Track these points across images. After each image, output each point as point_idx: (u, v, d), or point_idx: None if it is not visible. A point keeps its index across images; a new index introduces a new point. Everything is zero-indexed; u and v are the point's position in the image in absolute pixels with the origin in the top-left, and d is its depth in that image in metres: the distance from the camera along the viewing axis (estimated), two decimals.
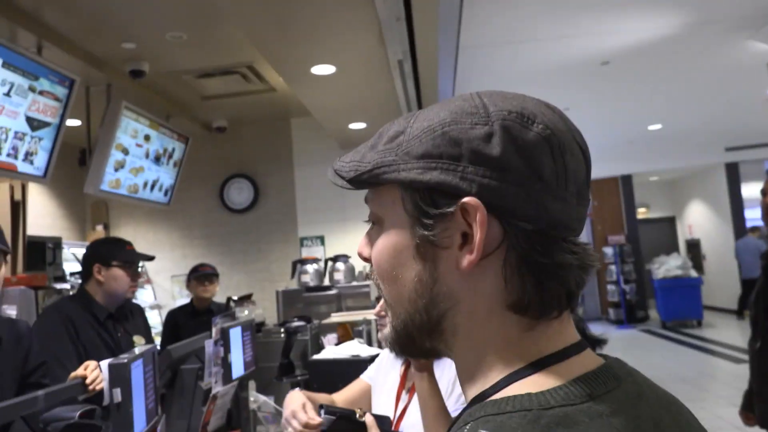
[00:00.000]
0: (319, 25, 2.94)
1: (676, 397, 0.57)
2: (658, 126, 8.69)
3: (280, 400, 2.53)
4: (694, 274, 10.22)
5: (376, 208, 0.56)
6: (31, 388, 1.73)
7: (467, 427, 0.46)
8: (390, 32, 2.86)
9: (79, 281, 3.87)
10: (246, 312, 2.83)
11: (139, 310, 2.73)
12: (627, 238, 11.14)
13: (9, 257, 2.24)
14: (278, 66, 3.51)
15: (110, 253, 2.37)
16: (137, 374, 1.48)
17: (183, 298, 5.49)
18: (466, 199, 0.48)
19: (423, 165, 0.50)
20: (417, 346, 0.56)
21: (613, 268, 10.89)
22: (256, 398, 2.42)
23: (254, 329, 2.45)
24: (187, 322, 3.68)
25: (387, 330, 0.57)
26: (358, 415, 1.21)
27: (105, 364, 1.40)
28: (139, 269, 2.54)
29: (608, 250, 11.00)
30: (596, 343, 1.22)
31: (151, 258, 2.55)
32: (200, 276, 3.78)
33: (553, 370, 0.49)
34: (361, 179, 0.54)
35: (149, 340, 2.59)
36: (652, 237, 13.91)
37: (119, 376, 1.38)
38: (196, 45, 3.71)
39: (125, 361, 1.40)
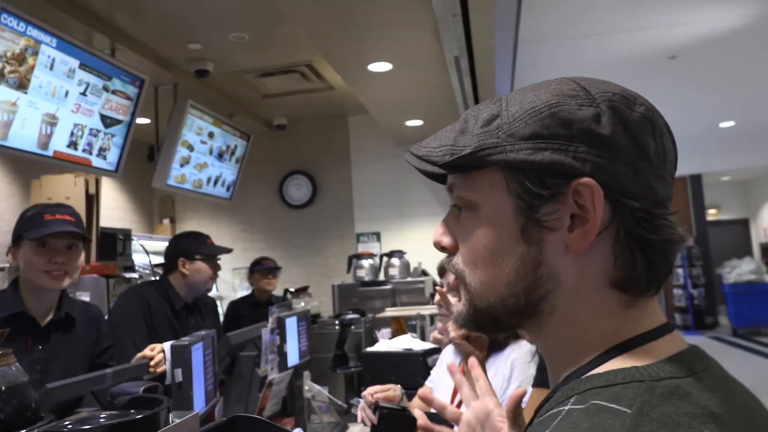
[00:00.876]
0: (376, 23, 2.97)
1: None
2: (730, 123, 8.27)
3: (333, 391, 2.60)
4: None
5: (467, 193, 0.55)
6: (99, 368, 1.85)
7: (572, 400, 0.46)
8: (446, 29, 2.86)
9: (147, 272, 4.05)
10: (302, 303, 2.90)
11: (212, 305, 2.86)
12: (695, 241, 10.65)
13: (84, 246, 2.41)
14: (336, 64, 3.57)
15: (194, 247, 2.51)
16: (197, 356, 1.56)
17: (243, 290, 5.67)
18: (582, 180, 0.49)
19: (532, 146, 0.50)
20: (500, 325, 0.56)
21: (680, 271, 10.44)
22: (311, 387, 2.48)
23: (309, 320, 2.51)
24: (248, 313, 3.80)
25: (460, 307, 0.56)
26: (407, 413, 1.24)
27: (167, 345, 1.48)
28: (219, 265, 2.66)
29: None
30: None
31: (229, 251, 2.69)
32: (264, 269, 3.91)
33: (653, 345, 0.50)
34: (461, 162, 0.53)
35: (219, 330, 2.70)
36: (722, 240, 13.24)
37: (180, 357, 1.46)
38: (257, 45, 3.82)
39: (186, 343, 1.47)
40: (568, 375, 0.52)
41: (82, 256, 1.93)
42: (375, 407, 1.29)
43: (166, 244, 2.64)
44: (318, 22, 2.97)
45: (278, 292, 4.22)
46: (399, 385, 1.95)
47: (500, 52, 3.59)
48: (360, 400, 2.29)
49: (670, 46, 4.99)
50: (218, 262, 2.63)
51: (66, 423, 0.95)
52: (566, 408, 0.46)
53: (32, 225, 1.80)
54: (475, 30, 3.11)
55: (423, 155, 0.57)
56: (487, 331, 0.58)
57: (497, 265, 0.53)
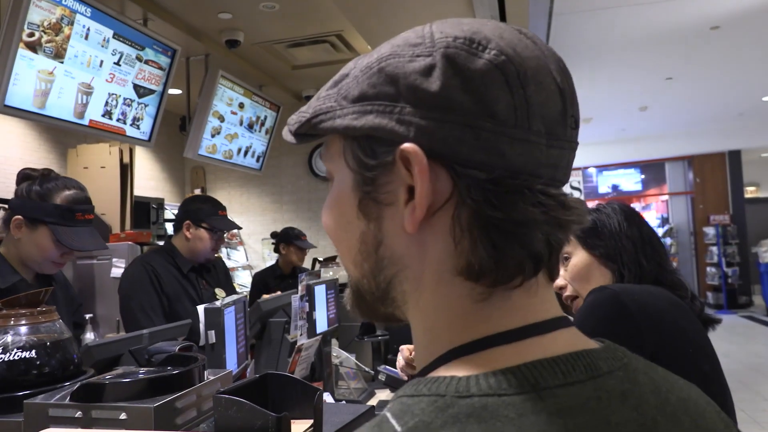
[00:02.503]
0: None
1: (716, 414, 0.46)
2: None
3: (361, 358, 2.64)
4: None
5: (326, 162, 0.50)
6: (74, 326, 1.95)
7: (388, 404, 0.41)
8: None
9: None
10: (330, 273, 2.94)
11: (222, 265, 2.79)
12: (732, 219, 10.40)
13: (117, 213, 2.45)
14: (366, 33, 3.54)
15: (203, 214, 2.44)
16: (229, 320, 1.60)
17: (271, 260, 5.76)
18: (403, 146, 0.41)
19: (358, 109, 0.43)
20: (373, 311, 0.50)
21: (714, 249, 10.23)
22: (339, 354, 2.53)
23: (338, 289, 2.55)
24: (277, 284, 3.87)
25: (346, 293, 0.52)
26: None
27: (201, 308, 1.52)
28: (228, 234, 2.65)
29: (709, 231, 10.34)
30: (708, 322, 1.21)
31: (237, 227, 2.63)
32: (302, 245, 3.99)
33: (499, 351, 0.41)
34: (301, 131, 0.48)
35: (230, 292, 2.69)
36: (761, 218, 12.88)
37: (213, 320, 1.50)
38: (287, 14, 3.80)
39: (218, 306, 1.51)
40: (415, 374, 0.45)
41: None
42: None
43: None
44: None
45: (307, 261, 4.29)
46: None
47: (534, 22, 3.52)
48: (387, 367, 2.33)
49: (713, 17, 4.81)
50: (224, 236, 2.55)
51: (107, 377, 0.99)
52: (382, 413, 0.40)
53: (64, 221, 1.76)
54: None
55: (288, 123, 0.52)
56: (369, 317, 0.51)
57: (343, 240, 0.48)
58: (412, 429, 0.36)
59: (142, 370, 1.04)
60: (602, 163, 11.69)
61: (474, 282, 0.42)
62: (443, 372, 0.41)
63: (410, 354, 1.60)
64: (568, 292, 1.35)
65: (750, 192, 12.67)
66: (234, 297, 1.76)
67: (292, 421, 0.86)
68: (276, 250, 4.15)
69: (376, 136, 0.43)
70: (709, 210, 10.66)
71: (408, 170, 0.42)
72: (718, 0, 4.47)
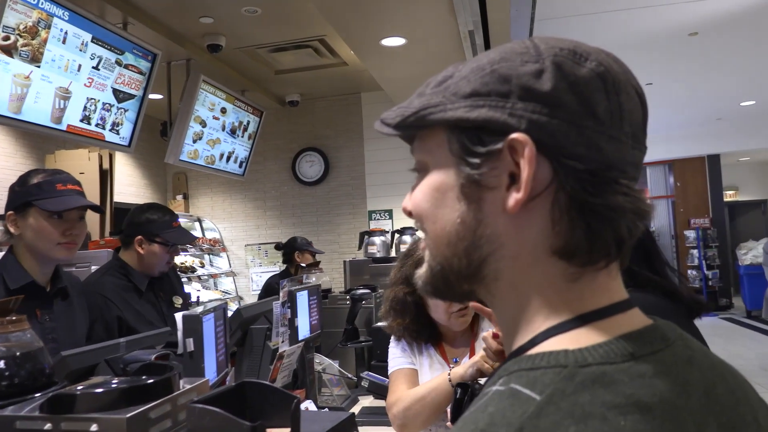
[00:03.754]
0: None
1: (737, 371, 0.53)
2: (751, 102, 8.11)
3: (344, 364, 2.62)
4: None
5: (421, 155, 0.54)
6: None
7: (500, 380, 0.45)
8: (460, 2, 2.81)
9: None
10: (313, 279, 2.92)
11: (173, 270, 2.58)
12: (712, 222, 10.54)
13: (97, 220, 2.40)
14: (349, 39, 3.54)
15: (156, 227, 2.25)
16: (208, 327, 1.57)
17: (255, 267, 5.71)
18: (514, 135, 0.46)
19: (470, 103, 0.48)
20: (453, 289, 0.54)
21: (695, 252, 10.35)
22: (322, 361, 2.51)
23: (320, 295, 2.52)
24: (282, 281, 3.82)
25: (423, 269, 0.55)
26: None
27: (179, 316, 1.49)
28: (211, 240, 2.57)
29: (690, 234, 10.46)
30: (695, 306, 1.16)
31: (194, 239, 2.47)
32: (315, 252, 4.04)
33: (596, 326, 0.47)
34: (406, 123, 0.53)
35: (184, 296, 2.55)
36: (740, 222, 13.08)
37: (192, 327, 1.47)
38: (269, 19, 3.79)
39: (197, 313, 1.48)
40: (512, 351, 0.50)
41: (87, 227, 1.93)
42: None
43: (182, 220, 2.43)
44: None
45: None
46: None
47: (516, 28, 3.54)
48: (370, 373, 2.31)
49: (691, 23, 4.88)
50: (179, 247, 2.37)
51: (79, 387, 0.96)
52: (492, 389, 0.44)
53: (46, 194, 1.74)
54: (490, 3, 3.06)
55: (383, 118, 0.56)
56: (442, 296, 0.55)
57: (439, 223, 0.52)
58: (551, 396, 0.41)
59: (116, 379, 1.01)
60: None
61: (567, 261, 0.47)
62: (551, 346, 0.46)
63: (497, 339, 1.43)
64: None
65: (729, 195, 12.86)
66: (214, 304, 1.73)
67: (268, 430, 0.84)
68: (286, 261, 4.05)
69: (486, 127, 0.48)
70: (690, 213, 10.79)
71: (512, 158, 0.47)
72: (696, 6, 4.53)
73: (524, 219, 0.48)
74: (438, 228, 0.52)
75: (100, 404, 0.90)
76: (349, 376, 2.51)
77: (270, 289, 4.00)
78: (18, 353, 1.05)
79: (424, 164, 0.54)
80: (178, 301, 2.48)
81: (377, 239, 4.41)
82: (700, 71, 6.41)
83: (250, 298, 5.58)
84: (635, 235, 0.49)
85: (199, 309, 1.55)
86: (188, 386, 1.04)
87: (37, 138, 4.25)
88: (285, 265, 4.13)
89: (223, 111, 4.44)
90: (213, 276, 5.56)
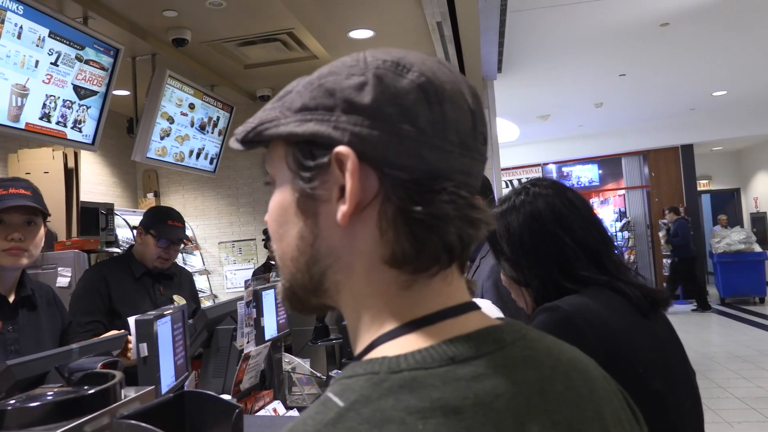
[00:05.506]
0: None
1: (590, 367, 0.54)
2: (722, 92, 8.22)
3: (315, 363, 2.58)
4: (758, 248, 9.73)
5: (269, 169, 0.56)
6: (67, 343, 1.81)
7: (329, 387, 0.46)
8: None
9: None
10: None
11: (188, 276, 2.87)
12: (686, 211, 10.68)
13: (63, 220, 2.38)
14: (316, 32, 3.48)
15: (152, 221, 2.54)
16: (164, 331, 1.52)
17: (230, 264, 5.64)
18: (338, 149, 0.48)
19: (300, 117, 0.50)
20: (304, 304, 0.55)
21: None
22: (291, 360, 2.46)
23: None
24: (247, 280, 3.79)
25: (278, 287, 0.57)
26: None
27: (132, 319, 1.44)
28: (175, 250, 2.62)
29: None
30: (647, 301, 1.08)
31: (181, 237, 2.61)
32: None
33: (423, 331, 0.47)
34: (248, 139, 0.54)
35: (195, 300, 2.71)
36: (713, 210, 13.28)
37: (145, 332, 1.42)
38: (235, 12, 3.70)
39: (151, 317, 1.43)
40: (350, 359, 0.52)
41: (42, 232, 1.86)
42: None
43: None
44: None
45: (260, 262, 4.20)
46: None
47: (485, 18, 3.51)
48: (340, 371, 2.28)
49: (662, 13, 4.90)
50: (176, 246, 2.59)
51: (11, 401, 0.91)
52: (324, 394, 0.45)
53: None
54: None
55: (235, 133, 0.57)
56: (298, 310, 0.57)
57: (284, 239, 0.53)
58: (354, 403, 0.42)
59: (52, 391, 0.96)
60: (561, 159, 11.86)
61: (398, 269, 0.48)
62: (376, 353, 0.47)
63: None
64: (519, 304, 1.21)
65: (703, 185, 13.05)
66: (173, 306, 1.68)
67: None
68: (266, 246, 4.17)
69: (315, 141, 0.49)
70: (664, 203, 10.92)
71: (341, 171, 0.48)
72: None
73: (356, 230, 0.49)
74: (284, 245, 0.54)
75: (33, 419, 0.85)
76: (319, 375, 2.47)
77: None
78: None
79: (271, 177, 0.56)
80: (181, 300, 2.58)
81: None
82: (672, 62, 6.47)
83: (225, 296, 5.51)
84: (469, 242, 0.50)
85: (153, 312, 1.50)
86: (131, 395, 1.00)
87: None
88: (265, 260, 4.12)
89: (192, 107, 4.35)
90: None
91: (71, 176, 4.09)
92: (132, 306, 2.37)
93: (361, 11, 3.14)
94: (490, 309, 1.21)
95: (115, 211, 4.60)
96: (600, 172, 12.27)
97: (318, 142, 0.49)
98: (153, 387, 1.02)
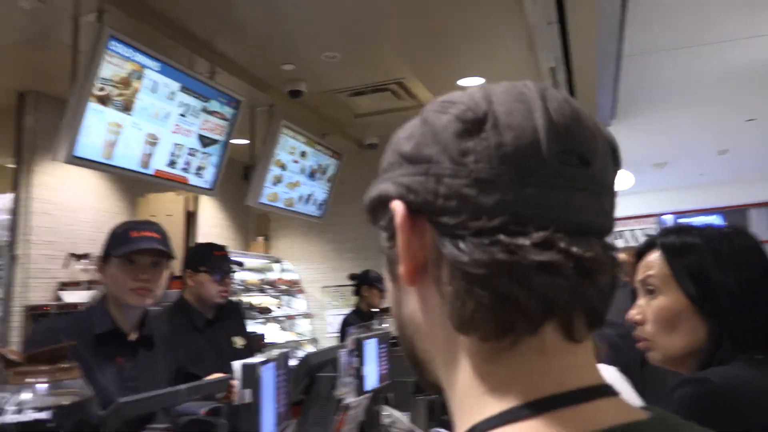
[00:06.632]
0: (466, 35, 2.89)
1: None
2: None
3: (414, 417, 2.47)
4: None
5: None
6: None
7: None
8: (540, 37, 2.71)
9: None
10: (386, 324, 2.81)
11: (237, 309, 2.75)
12: None
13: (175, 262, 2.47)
14: (426, 80, 3.51)
15: (199, 258, 2.46)
16: (268, 377, 1.50)
17: (331, 309, 5.70)
18: (390, 203, 0.44)
19: (377, 182, 0.48)
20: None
21: None
22: (390, 413, 2.38)
23: (391, 342, 2.42)
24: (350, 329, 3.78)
25: None
26: None
27: (237, 364, 1.43)
28: (232, 278, 2.53)
29: None
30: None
31: (238, 263, 2.57)
32: (383, 289, 3.94)
33: (533, 423, 0.37)
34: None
35: (247, 337, 2.62)
36: None
37: (250, 377, 1.41)
38: (349, 64, 3.84)
39: (257, 362, 1.42)
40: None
41: (166, 274, 1.94)
42: None
43: (261, 261, 2.55)
44: (408, 38, 2.93)
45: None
46: None
47: (602, 64, 3.37)
48: (440, 430, 2.16)
49: None
50: (230, 275, 2.49)
51: None
52: None
53: (119, 242, 1.82)
54: (573, 38, 2.93)
55: None
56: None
57: (392, 308, 0.50)
58: None
59: None
60: (679, 210, 11.07)
61: (467, 336, 0.40)
62: None
63: None
64: (640, 333, 1.07)
65: None
66: (276, 352, 1.67)
67: None
68: (356, 293, 4.10)
69: (383, 201, 0.46)
70: None
71: None
72: None
73: (424, 292, 0.44)
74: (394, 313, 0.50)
75: None
76: (420, 431, 2.36)
77: (345, 326, 3.94)
78: (66, 403, 1.02)
79: None
80: (240, 342, 2.49)
81: None
82: None
83: (326, 340, 5.55)
84: (560, 298, 0.38)
85: (259, 358, 1.49)
86: None
87: (128, 181, 4.48)
88: (354, 308, 4.09)
89: (303, 155, 4.52)
90: (289, 317, 5.59)
91: (191, 219, 4.35)
92: (200, 360, 2.25)
93: (471, 58, 3.14)
94: (617, 382, 1.07)
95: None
96: (725, 224, 11.30)
97: (384, 201, 0.46)
98: None
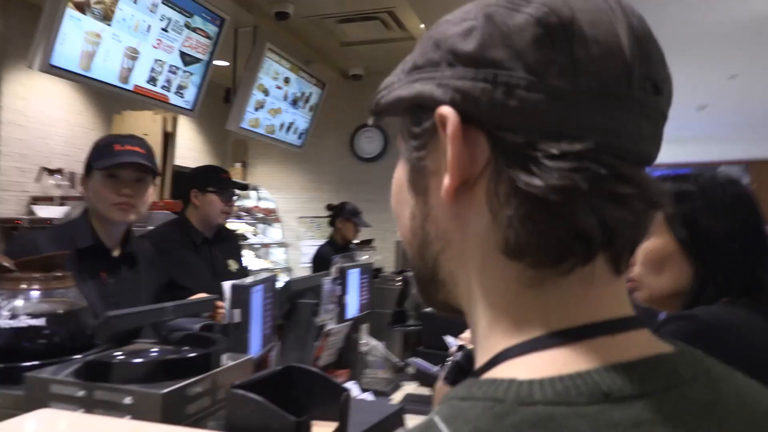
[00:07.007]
0: None
1: None
2: None
3: (390, 347, 2.54)
4: None
5: (397, 142, 0.48)
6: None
7: (438, 407, 0.36)
8: None
9: None
10: (366, 256, 2.85)
11: (234, 236, 2.83)
12: None
13: (157, 181, 2.42)
14: (420, 9, 3.40)
15: (206, 179, 2.48)
16: (257, 298, 1.52)
17: (307, 239, 5.72)
18: (439, 109, 0.39)
19: (410, 79, 0.42)
20: (431, 297, 0.47)
21: None
22: (368, 341, 2.44)
23: (372, 273, 2.45)
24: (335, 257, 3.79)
25: None
26: None
27: (228, 284, 1.44)
28: (235, 200, 2.62)
29: None
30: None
31: (244, 186, 2.65)
32: (358, 223, 3.97)
33: (564, 351, 0.36)
34: (373, 110, 0.47)
35: (241, 264, 2.68)
36: None
37: (240, 298, 1.42)
38: None
39: (247, 284, 1.43)
40: (472, 373, 0.41)
41: (151, 191, 1.90)
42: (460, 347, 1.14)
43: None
44: None
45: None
46: None
47: None
48: (417, 360, 2.23)
49: None
50: (234, 198, 2.58)
51: (117, 354, 0.91)
52: (430, 416, 0.36)
53: (102, 155, 1.77)
54: None
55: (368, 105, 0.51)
56: (430, 304, 0.48)
57: (401, 219, 0.47)
58: None
59: (156, 348, 0.96)
60: (654, 163, 11.26)
61: (516, 261, 0.38)
62: (500, 373, 0.36)
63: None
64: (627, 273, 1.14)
65: None
66: (264, 275, 1.68)
67: (313, 422, 0.77)
68: (332, 224, 4.08)
69: (420, 103, 0.41)
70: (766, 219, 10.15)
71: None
72: None
73: (465, 210, 0.40)
74: (401, 226, 0.47)
75: (136, 375, 0.84)
76: (395, 359, 2.44)
77: (318, 257, 3.97)
78: (60, 311, 1.02)
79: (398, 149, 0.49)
80: (234, 265, 2.53)
81: None
82: None
83: (300, 270, 5.60)
84: (618, 228, 0.37)
85: (249, 279, 1.50)
86: (231, 363, 0.98)
87: (105, 97, 4.32)
88: (329, 238, 4.10)
89: (287, 81, 4.40)
90: (265, 245, 5.60)
91: (168, 140, 4.24)
92: (194, 275, 2.32)
93: None
94: None
95: None
96: (719, 172, 11.55)
97: (424, 105, 0.41)
98: (250, 357, 1.00)
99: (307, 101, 4.76)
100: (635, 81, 0.37)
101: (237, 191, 2.61)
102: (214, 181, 2.46)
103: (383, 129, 5.61)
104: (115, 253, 1.86)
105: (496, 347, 0.39)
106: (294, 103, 4.59)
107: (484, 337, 0.40)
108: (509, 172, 0.37)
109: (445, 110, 0.38)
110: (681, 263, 1.06)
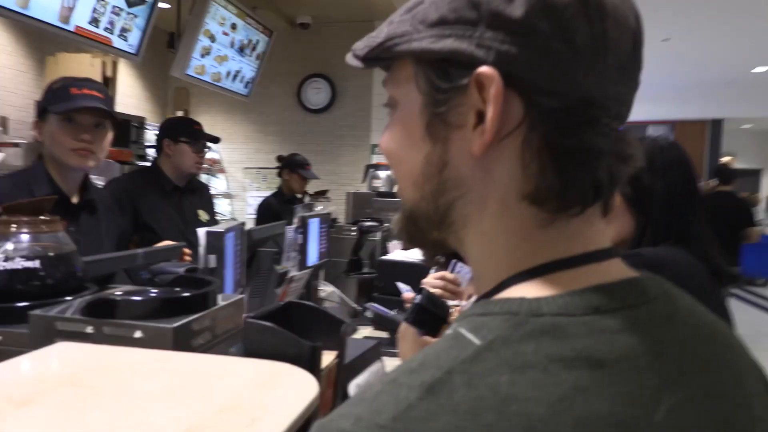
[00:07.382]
0: None
1: (732, 333, 0.50)
2: (763, 68, 7.99)
3: (347, 293, 2.64)
4: None
5: (391, 89, 0.51)
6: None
7: (454, 325, 0.42)
8: None
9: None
10: (321, 207, 2.90)
11: (206, 188, 2.89)
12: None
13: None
14: None
15: (179, 129, 2.54)
16: (229, 245, 1.56)
17: (252, 190, 5.68)
18: (481, 69, 0.42)
19: (437, 33, 0.44)
20: (424, 236, 0.51)
21: None
22: (325, 287, 2.53)
23: (330, 223, 2.52)
24: (284, 209, 3.78)
25: (396, 216, 0.53)
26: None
27: (202, 231, 1.47)
28: (206, 152, 2.70)
29: None
30: (726, 278, 1.18)
31: (216, 139, 2.68)
32: (305, 175, 3.94)
33: (562, 275, 0.44)
34: (372, 55, 0.49)
35: (212, 216, 2.73)
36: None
37: (215, 244, 1.45)
38: None
39: (222, 230, 1.46)
40: (478, 298, 0.48)
41: (110, 137, 1.87)
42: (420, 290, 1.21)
43: None
44: None
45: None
46: None
47: None
48: (375, 305, 2.33)
49: None
50: (206, 150, 2.65)
51: (117, 293, 0.95)
52: (452, 330, 0.42)
53: (58, 98, 1.72)
54: None
55: (353, 50, 0.52)
56: (416, 243, 0.53)
57: (405, 165, 0.49)
58: (492, 342, 0.39)
59: (153, 289, 1.00)
60: None
61: (538, 207, 0.44)
62: (510, 294, 0.43)
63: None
64: None
65: (726, 162, 12.88)
66: (233, 222, 1.71)
67: None
68: (279, 175, 4.07)
69: (453, 59, 0.44)
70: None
71: (480, 94, 0.43)
72: None
73: (492, 162, 0.45)
74: (405, 169, 0.50)
75: (143, 312, 0.88)
76: (352, 304, 2.54)
77: (263, 208, 3.97)
78: (52, 254, 1.03)
79: (394, 100, 0.51)
80: (204, 215, 2.57)
81: (382, 173, 4.37)
82: (715, 31, 6.26)
83: (246, 221, 5.57)
84: (617, 180, 0.45)
85: (222, 226, 1.53)
86: (225, 302, 1.03)
87: (38, 37, 4.07)
88: (277, 189, 4.09)
89: (234, 27, 4.27)
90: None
91: (107, 85, 4.07)
92: (163, 220, 2.40)
93: None
94: None
95: (146, 126, 4.60)
96: (661, 135, 12.11)
97: (457, 61, 0.43)
98: (242, 296, 1.05)
99: (254, 49, 4.65)
100: (636, 61, 0.45)
101: (208, 144, 2.66)
102: (187, 131, 2.53)
103: (331, 80, 5.56)
104: (74, 200, 1.83)
105: (503, 275, 0.46)
106: (241, 50, 4.47)
107: (492, 268, 0.47)
108: (543, 132, 0.43)
109: (489, 71, 0.42)
110: (625, 215, 1.22)
